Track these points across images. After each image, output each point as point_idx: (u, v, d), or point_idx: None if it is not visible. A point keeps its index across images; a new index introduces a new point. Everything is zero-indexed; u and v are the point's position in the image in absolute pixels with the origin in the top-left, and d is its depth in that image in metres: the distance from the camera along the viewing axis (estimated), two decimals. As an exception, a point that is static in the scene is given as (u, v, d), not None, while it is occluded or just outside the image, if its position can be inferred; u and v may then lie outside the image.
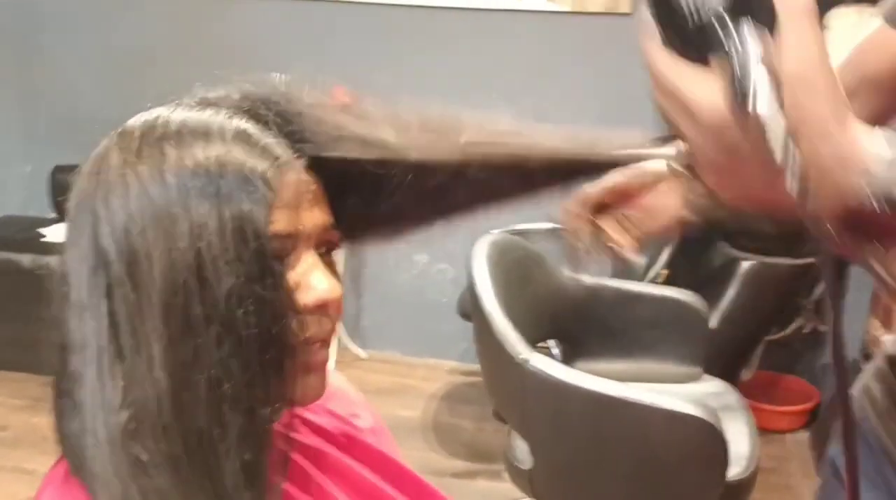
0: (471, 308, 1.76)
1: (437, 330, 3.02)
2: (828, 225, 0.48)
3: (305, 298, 0.58)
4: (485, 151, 0.63)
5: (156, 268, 0.53)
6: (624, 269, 2.58)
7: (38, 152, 3.13)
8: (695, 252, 2.62)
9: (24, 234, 2.93)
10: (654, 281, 2.35)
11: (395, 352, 3.13)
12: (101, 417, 0.54)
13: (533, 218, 2.76)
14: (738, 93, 0.46)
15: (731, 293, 2.41)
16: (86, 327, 0.55)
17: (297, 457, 0.66)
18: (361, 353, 3.11)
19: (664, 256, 2.39)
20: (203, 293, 0.52)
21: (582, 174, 0.70)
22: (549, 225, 2.79)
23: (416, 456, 2.47)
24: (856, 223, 0.48)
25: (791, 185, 0.46)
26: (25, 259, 2.80)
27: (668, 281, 2.39)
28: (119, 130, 0.59)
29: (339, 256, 0.67)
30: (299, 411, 0.71)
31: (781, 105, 0.46)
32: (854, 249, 0.50)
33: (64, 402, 0.57)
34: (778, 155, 0.46)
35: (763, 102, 0.45)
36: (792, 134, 0.46)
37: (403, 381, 2.98)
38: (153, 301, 0.53)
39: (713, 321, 2.22)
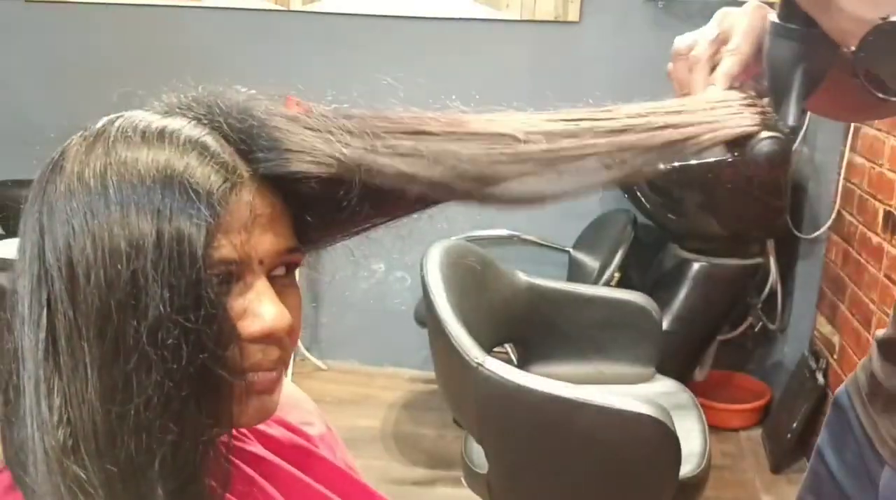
0: (425, 314, 1.77)
1: (397, 339, 3.02)
2: None
3: (250, 327, 0.55)
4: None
5: (93, 288, 0.51)
6: (577, 273, 2.62)
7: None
8: (646, 255, 2.66)
9: (-30, 250, 2.87)
10: (606, 284, 2.38)
11: (354, 362, 3.13)
12: (38, 433, 0.52)
13: (486, 225, 2.79)
14: None
15: (682, 294, 2.46)
16: (26, 340, 0.53)
17: (242, 467, 0.65)
18: (320, 364, 3.10)
19: (617, 259, 2.43)
20: (134, 320, 0.50)
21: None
22: (503, 231, 2.82)
23: (376, 465, 2.47)
24: None
25: None
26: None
27: (621, 283, 2.43)
28: (70, 140, 0.57)
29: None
30: None
31: None
32: None
33: (10, 410, 0.55)
34: None
35: None
36: None
37: (363, 391, 2.98)
38: (90, 321, 0.51)
39: (665, 322, 2.26)
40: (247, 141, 0.56)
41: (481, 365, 1.52)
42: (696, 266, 2.48)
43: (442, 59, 2.82)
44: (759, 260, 2.52)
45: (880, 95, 0.52)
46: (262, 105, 0.58)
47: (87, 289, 0.51)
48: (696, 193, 2.45)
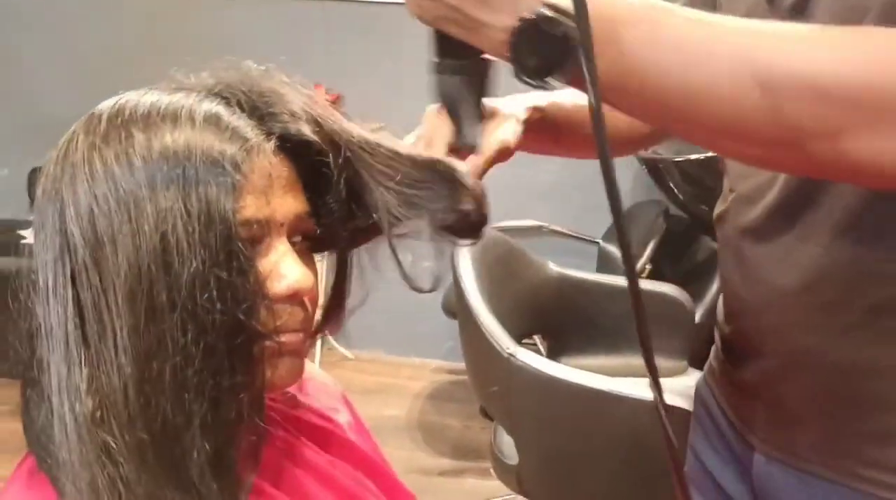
0: (456, 305, 1.76)
1: (422, 329, 3.01)
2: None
3: (276, 286, 0.57)
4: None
5: (120, 253, 0.52)
6: (607, 264, 2.59)
7: (16, 155, 3.09)
8: (678, 246, 2.63)
9: (2, 237, 2.89)
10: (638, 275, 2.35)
11: (380, 352, 3.12)
12: (67, 404, 0.53)
13: (515, 215, 2.77)
14: None
15: (715, 287, 2.41)
16: (51, 313, 0.54)
17: (270, 450, 0.65)
18: (347, 353, 3.10)
19: (648, 250, 2.40)
20: (167, 279, 0.52)
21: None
22: (532, 222, 2.80)
23: (402, 456, 2.46)
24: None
25: None
26: (4, 262, 2.77)
27: (653, 275, 2.39)
28: (88, 114, 0.58)
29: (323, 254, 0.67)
30: (275, 404, 0.70)
31: None
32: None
33: (31, 391, 0.56)
34: None
35: None
36: None
37: (389, 380, 2.98)
38: (118, 287, 0.52)
39: (698, 315, 2.23)
40: (258, 108, 0.59)
41: (513, 356, 1.51)
42: (728, 258, 2.44)
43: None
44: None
45: (547, 89, 0.57)
46: (272, 78, 0.62)
47: (113, 255, 0.52)
48: (730, 184, 2.41)
